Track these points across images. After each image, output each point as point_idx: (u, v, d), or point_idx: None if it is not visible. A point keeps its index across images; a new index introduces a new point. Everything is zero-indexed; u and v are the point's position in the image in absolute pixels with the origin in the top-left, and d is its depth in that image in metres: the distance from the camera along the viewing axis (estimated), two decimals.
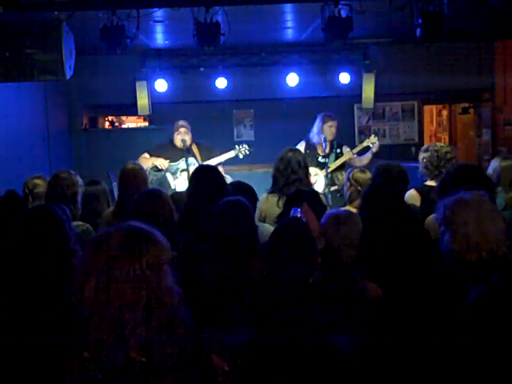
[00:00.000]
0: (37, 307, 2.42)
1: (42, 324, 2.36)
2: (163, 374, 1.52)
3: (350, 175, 4.37)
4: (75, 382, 1.57)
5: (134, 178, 4.19)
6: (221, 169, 6.01)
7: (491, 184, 3.54)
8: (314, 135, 6.18)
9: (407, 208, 3.42)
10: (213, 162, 6.01)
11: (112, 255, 1.54)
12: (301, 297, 2.39)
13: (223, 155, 6.17)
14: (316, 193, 3.94)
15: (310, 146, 6.14)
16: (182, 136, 6.05)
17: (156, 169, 6.09)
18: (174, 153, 6.10)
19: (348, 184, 4.35)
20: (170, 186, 6.05)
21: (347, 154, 6.16)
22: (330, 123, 6.12)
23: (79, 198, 3.99)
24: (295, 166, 4.41)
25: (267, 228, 3.66)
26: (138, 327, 1.52)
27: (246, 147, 6.31)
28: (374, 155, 6.27)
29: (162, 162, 6.05)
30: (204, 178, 3.73)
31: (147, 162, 6.04)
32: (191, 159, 6.01)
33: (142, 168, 4.36)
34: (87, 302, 1.53)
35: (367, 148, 6.32)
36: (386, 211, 3.11)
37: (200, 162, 5.96)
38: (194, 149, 6.16)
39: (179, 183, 6.08)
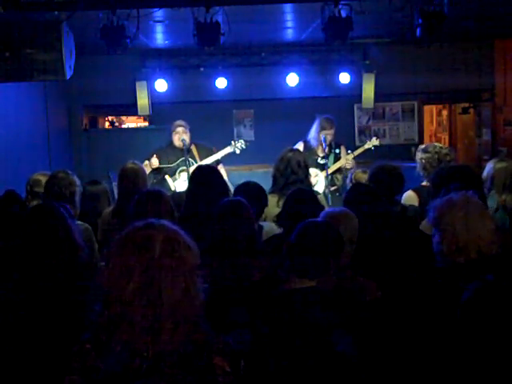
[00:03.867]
0: (45, 302, 2.42)
1: (50, 318, 2.37)
2: (163, 371, 1.53)
3: (353, 176, 4.37)
4: (77, 373, 1.58)
5: (133, 178, 4.19)
6: (221, 168, 6.04)
7: (481, 184, 3.55)
8: (312, 139, 6.15)
9: (387, 207, 3.43)
10: (210, 159, 6.00)
11: (156, 258, 1.56)
12: (302, 297, 2.39)
13: (219, 152, 6.15)
14: (313, 193, 3.95)
15: (309, 147, 6.11)
16: (180, 135, 6.04)
17: (156, 171, 6.08)
18: (173, 154, 6.09)
19: (350, 185, 4.35)
20: (169, 189, 6.01)
21: (347, 155, 6.13)
22: (326, 131, 6.02)
23: (77, 198, 3.99)
24: (295, 167, 4.41)
25: (272, 227, 3.68)
26: (168, 327, 1.53)
27: (242, 142, 6.28)
28: (374, 156, 6.26)
29: (152, 162, 6.01)
30: (204, 177, 3.74)
31: (146, 168, 5.97)
32: (190, 159, 5.99)
33: (141, 167, 4.36)
34: (127, 300, 1.52)
35: (368, 150, 6.30)
36: (365, 211, 3.13)
37: (198, 162, 5.95)
38: (193, 149, 6.15)
39: (179, 184, 6.07)
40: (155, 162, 6.03)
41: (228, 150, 6.21)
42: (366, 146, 6.29)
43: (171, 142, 6.19)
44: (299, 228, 2.51)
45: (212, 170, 3.96)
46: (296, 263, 2.44)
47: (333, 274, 2.76)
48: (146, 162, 6.04)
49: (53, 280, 2.48)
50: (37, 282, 2.47)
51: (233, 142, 6.27)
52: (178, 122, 6.15)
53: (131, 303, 1.52)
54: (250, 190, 3.77)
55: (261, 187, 3.91)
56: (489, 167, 4.20)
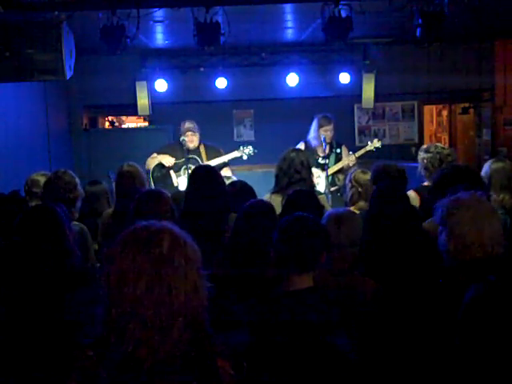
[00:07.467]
0: (33, 306, 2.41)
1: (40, 323, 2.36)
2: (167, 375, 1.52)
3: (352, 176, 4.36)
4: (78, 380, 1.57)
5: (130, 180, 4.20)
6: (228, 170, 6.06)
7: (484, 185, 3.56)
8: (312, 138, 6.17)
9: (413, 209, 3.43)
10: (215, 161, 6.03)
11: (165, 254, 1.55)
12: (300, 296, 2.39)
13: (227, 155, 6.19)
14: (313, 193, 3.96)
15: (310, 148, 6.12)
16: (189, 138, 6.07)
17: (161, 165, 6.14)
18: (180, 152, 6.12)
19: (349, 185, 4.34)
20: (172, 184, 6.12)
21: (349, 156, 6.13)
22: (326, 127, 6.07)
23: (79, 203, 3.98)
24: (298, 166, 4.42)
25: None
26: (177, 325, 1.52)
27: (251, 148, 6.35)
28: (374, 155, 6.26)
29: (167, 160, 6.11)
30: (202, 178, 3.75)
31: (154, 160, 6.14)
32: (195, 160, 6.03)
33: (138, 169, 4.36)
34: (137, 297, 1.51)
35: (369, 151, 6.30)
36: (395, 212, 3.13)
37: (205, 163, 5.98)
38: (202, 149, 6.18)
39: (181, 181, 6.12)
40: (171, 160, 6.10)
41: (235, 154, 6.27)
42: (368, 148, 6.28)
43: (178, 141, 6.21)
44: (279, 224, 2.54)
45: (211, 169, 3.97)
46: (281, 257, 2.45)
47: (334, 273, 2.77)
48: (155, 154, 6.17)
49: (37, 284, 2.46)
50: (20, 285, 2.46)
51: (241, 147, 6.34)
52: (187, 125, 6.13)
53: (142, 300, 1.50)
54: (240, 188, 3.85)
55: (248, 184, 4.02)
56: (486, 167, 4.21)
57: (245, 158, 6.34)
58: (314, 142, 6.15)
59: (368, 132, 8.79)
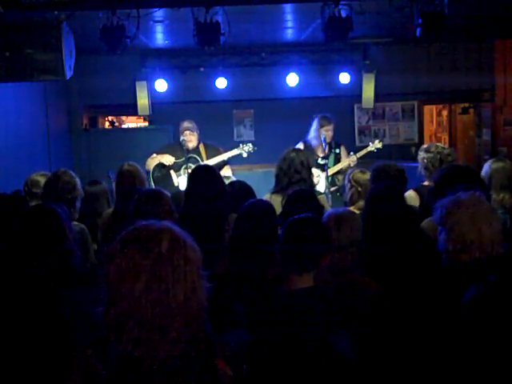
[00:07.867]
0: (33, 306, 2.41)
1: (39, 323, 2.36)
2: (166, 375, 1.52)
3: (351, 176, 4.37)
4: (78, 379, 1.57)
5: (130, 179, 4.20)
6: (228, 169, 6.06)
7: (484, 184, 3.57)
8: (312, 138, 6.18)
9: (410, 209, 3.44)
10: (215, 160, 6.04)
11: (164, 253, 1.54)
12: (300, 296, 2.40)
13: (226, 153, 6.20)
14: (313, 193, 3.97)
15: (309, 148, 6.13)
16: (187, 137, 6.08)
17: (162, 165, 6.15)
18: (180, 152, 6.13)
19: (349, 185, 4.35)
20: (173, 183, 6.13)
21: (351, 157, 6.14)
22: (326, 127, 6.09)
23: (78, 203, 3.98)
24: (298, 166, 4.43)
25: None
26: (176, 325, 1.52)
27: (250, 145, 6.36)
28: (374, 155, 6.27)
29: (167, 159, 6.12)
30: (201, 177, 3.75)
31: (153, 161, 6.14)
32: (195, 159, 6.04)
33: (138, 168, 4.36)
34: (136, 296, 1.51)
35: (371, 152, 6.31)
36: (391, 212, 3.13)
37: (204, 162, 5.99)
38: (202, 149, 6.18)
39: (182, 180, 6.13)
40: (171, 159, 6.11)
41: (235, 152, 6.27)
42: (369, 149, 6.30)
43: (178, 141, 6.23)
44: (284, 225, 2.56)
45: (210, 169, 3.98)
46: (285, 257, 2.47)
47: (334, 273, 2.77)
48: (155, 154, 6.17)
49: (36, 284, 2.46)
50: (20, 284, 2.46)
51: (241, 145, 6.35)
52: (185, 125, 6.15)
53: (140, 300, 1.51)
54: (239, 188, 3.93)
55: (247, 184, 4.06)
56: (486, 167, 4.23)
57: (245, 155, 6.34)
58: (313, 142, 6.16)
59: (368, 132, 8.79)
